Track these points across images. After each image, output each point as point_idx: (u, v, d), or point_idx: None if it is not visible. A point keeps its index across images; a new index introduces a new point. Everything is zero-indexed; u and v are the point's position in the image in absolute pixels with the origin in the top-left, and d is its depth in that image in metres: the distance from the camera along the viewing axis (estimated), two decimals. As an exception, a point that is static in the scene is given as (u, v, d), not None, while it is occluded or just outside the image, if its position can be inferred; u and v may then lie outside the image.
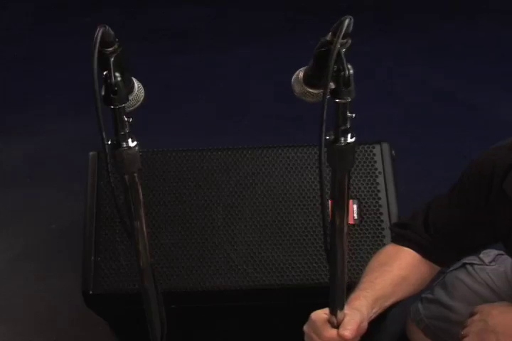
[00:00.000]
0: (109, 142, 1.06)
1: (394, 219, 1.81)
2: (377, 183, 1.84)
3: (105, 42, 0.98)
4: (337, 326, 1.25)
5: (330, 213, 1.81)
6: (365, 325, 1.27)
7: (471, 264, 1.65)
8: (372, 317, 1.31)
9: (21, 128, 3.00)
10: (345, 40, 0.94)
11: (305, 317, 1.96)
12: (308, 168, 1.86)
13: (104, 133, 1.01)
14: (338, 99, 0.95)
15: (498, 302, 1.47)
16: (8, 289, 2.35)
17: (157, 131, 2.74)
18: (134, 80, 1.09)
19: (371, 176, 1.85)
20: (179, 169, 1.87)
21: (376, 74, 3.12)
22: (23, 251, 2.46)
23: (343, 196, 1.06)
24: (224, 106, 3.04)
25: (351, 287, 1.35)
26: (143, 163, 1.15)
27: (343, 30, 0.93)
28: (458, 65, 3.21)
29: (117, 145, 1.07)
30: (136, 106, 1.09)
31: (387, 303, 1.35)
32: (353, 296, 1.29)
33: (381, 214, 1.80)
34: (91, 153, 1.89)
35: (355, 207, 1.81)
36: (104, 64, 1.00)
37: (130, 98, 1.07)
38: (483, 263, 1.64)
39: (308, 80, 1.05)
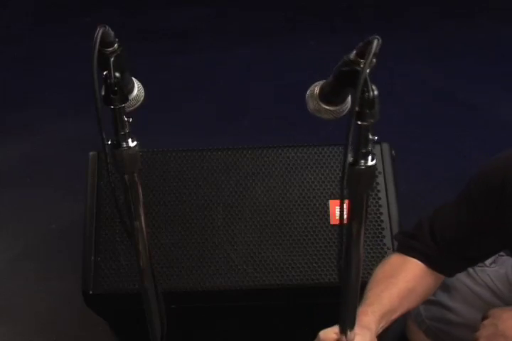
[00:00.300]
0: (109, 142, 1.06)
1: (394, 219, 1.80)
2: (377, 183, 1.84)
3: (105, 42, 0.98)
4: None
5: (330, 213, 1.81)
6: None
7: None
8: (379, 332, 1.30)
9: (21, 127, 3.00)
10: (371, 61, 0.90)
11: (305, 317, 1.96)
12: (308, 168, 1.86)
13: (104, 133, 1.01)
14: (361, 121, 0.92)
15: (510, 306, 1.46)
16: (8, 289, 2.35)
17: (157, 131, 2.74)
18: (134, 80, 1.09)
19: (371, 176, 1.84)
20: (179, 169, 1.87)
21: (376, 73, 3.12)
22: (23, 251, 2.46)
23: (360, 218, 1.01)
24: (224, 106, 3.05)
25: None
26: (143, 163, 1.15)
27: (372, 52, 0.89)
28: (458, 65, 3.21)
29: (117, 145, 1.07)
30: (136, 106, 1.09)
31: (394, 317, 1.34)
32: (360, 311, 1.26)
33: (381, 214, 1.80)
34: (91, 153, 1.89)
35: (355, 207, 1.81)
36: (104, 64, 1.00)
37: (130, 98, 1.07)
38: (483, 264, 1.64)
39: (325, 97, 1.02)
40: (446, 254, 1.40)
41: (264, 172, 1.86)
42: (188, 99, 3.08)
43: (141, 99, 1.10)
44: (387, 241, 1.77)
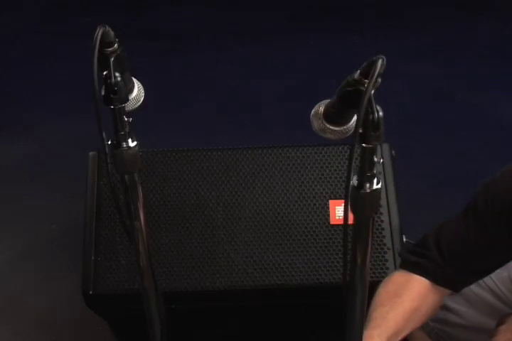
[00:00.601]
0: (109, 142, 1.06)
1: (394, 220, 1.81)
2: (377, 183, 1.83)
3: (105, 42, 0.98)
4: None
5: (330, 213, 1.81)
6: None
7: None
8: None
9: (21, 127, 3.00)
10: (375, 81, 0.87)
11: (305, 317, 1.96)
12: (308, 168, 1.86)
13: (104, 133, 1.01)
14: (365, 143, 0.88)
15: None
16: (8, 289, 2.35)
17: (157, 131, 2.74)
18: (134, 80, 1.09)
19: (371, 176, 1.84)
20: (179, 169, 1.87)
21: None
22: (23, 251, 2.46)
23: (366, 244, 0.97)
24: (224, 106, 3.05)
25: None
26: (143, 163, 1.15)
27: (376, 73, 0.86)
28: (458, 65, 3.21)
29: (117, 145, 1.07)
30: (136, 106, 1.09)
31: (399, 337, 1.32)
32: (366, 335, 1.21)
33: (381, 214, 1.80)
34: (91, 153, 1.89)
35: (355, 207, 1.81)
36: (104, 64, 1.00)
37: (130, 98, 1.07)
38: None
39: (330, 117, 0.99)
40: (454, 269, 1.37)
41: (264, 172, 1.86)
42: (188, 99, 3.08)
43: (141, 99, 1.10)
44: (387, 241, 1.77)
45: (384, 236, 1.79)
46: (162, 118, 2.90)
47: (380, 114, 0.87)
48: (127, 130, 1.06)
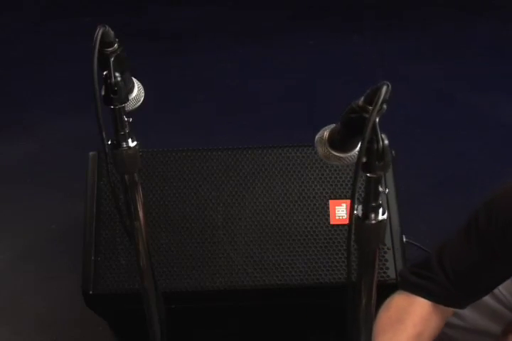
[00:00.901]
0: (109, 142, 1.07)
1: (394, 220, 1.80)
2: (377, 183, 1.83)
3: (105, 42, 0.98)
4: None
5: (330, 213, 1.81)
6: None
7: None
8: None
9: (21, 127, 3.00)
10: (380, 108, 0.83)
11: (305, 317, 1.96)
12: (308, 168, 1.86)
13: (104, 133, 1.01)
14: (370, 173, 0.85)
15: None
16: (8, 289, 2.35)
17: (157, 131, 2.74)
18: (134, 80, 1.09)
19: (371, 176, 1.84)
20: (179, 169, 1.87)
21: (376, 74, 3.12)
22: (23, 251, 2.46)
23: (371, 276, 0.94)
24: (224, 106, 3.05)
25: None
26: (143, 163, 1.15)
27: (381, 99, 0.81)
28: (458, 65, 3.21)
29: (117, 145, 1.07)
30: (136, 106, 1.10)
31: None
32: None
33: (381, 214, 1.80)
34: (91, 153, 1.89)
35: (355, 207, 1.81)
36: (104, 64, 1.00)
37: (130, 98, 1.07)
38: None
39: (334, 143, 0.95)
40: (460, 289, 1.35)
41: (264, 172, 1.86)
42: (188, 99, 3.08)
43: (141, 99, 1.11)
44: (387, 241, 1.77)
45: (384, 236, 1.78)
46: (162, 118, 2.90)
47: (386, 142, 0.83)
48: (127, 130, 1.06)
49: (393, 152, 1.89)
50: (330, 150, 0.96)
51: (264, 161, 1.87)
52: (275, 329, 2.01)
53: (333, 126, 0.97)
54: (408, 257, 1.85)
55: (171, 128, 2.88)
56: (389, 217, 1.80)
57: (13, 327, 2.23)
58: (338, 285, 1.75)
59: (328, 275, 1.75)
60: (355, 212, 0.88)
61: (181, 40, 3.48)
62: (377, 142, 0.83)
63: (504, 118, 2.90)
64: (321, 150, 0.97)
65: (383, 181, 0.87)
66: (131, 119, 1.07)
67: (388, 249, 1.76)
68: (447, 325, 1.60)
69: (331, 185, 1.83)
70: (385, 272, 1.74)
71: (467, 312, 1.57)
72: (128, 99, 1.05)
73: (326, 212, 1.81)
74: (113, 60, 0.99)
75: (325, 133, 0.97)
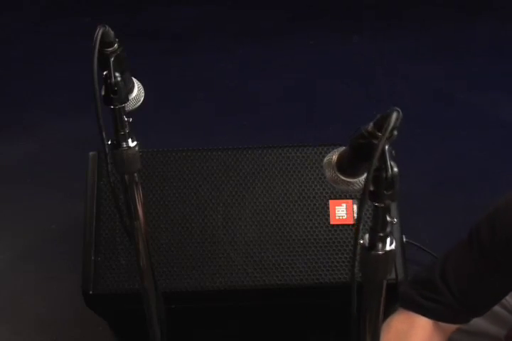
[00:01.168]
0: (109, 142, 1.06)
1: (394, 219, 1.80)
2: (377, 183, 1.83)
3: (105, 42, 0.98)
4: None
5: (330, 213, 1.80)
6: None
7: None
8: None
9: (21, 128, 3.00)
10: (390, 135, 0.79)
11: (305, 317, 1.96)
12: (308, 168, 1.86)
13: (104, 133, 1.01)
14: (377, 202, 0.81)
15: None
16: (8, 289, 2.35)
17: (157, 131, 2.74)
18: (134, 80, 1.09)
19: (371, 176, 1.84)
20: (179, 169, 1.87)
21: (376, 73, 3.12)
22: (23, 251, 2.46)
23: (377, 311, 0.90)
24: (224, 106, 3.04)
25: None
26: (143, 163, 1.15)
27: (390, 126, 0.78)
28: (458, 65, 3.21)
29: (117, 145, 1.07)
30: (136, 106, 1.10)
31: None
32: None
33: (381, 214, 1.80)
34: (91, 153, 1.89)
35: (355, 207, 1.81)
36: (104, 64, 1.00)
37: (130, 98, 1.07)
38: None
39: (343, 167, 0.92)
40: (464, 303, 1.33)
41: (264, 172, 1.86)
42: (188, 99, 3.08)
43: (141, 99, 1.11)
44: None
45: (384, 236, 1.78)
46: (162, 118, 2.90)
47: (395, 170, 0.79)
48: (127, 130, 1.06)
49: (393, 152, 1.88)
50: (338, 174, 0.93)
51: (264, 161, 1.87)
52: (275, 330, 2.01)
53: (342, 148, 0.93)
54: (408, 257, 1.85)
55: (171, 128, 2.88)
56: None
57: (13, 327, 2.23)
58: (338, 285, 1.75)
59: (328, 275, 1.75)
60: (360, 241, 0.85)
61: (181, 40, 3.47)
62: (386, 170, 0.79)
63: (504, 118, 2.90)
64: (328, 173, 0.94)
65: (392, 210, 0.82)
66: (131, 119, 1.07)
67: (388, 248, 1.76)
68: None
69: (331, 185, 1.83)
70: (385, 272, 1.74)
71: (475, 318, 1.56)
72: (128, 99, 1.05)
73: (326, 212, 1.81)
74: (113, 60, 0.99)
75: (333, 156, 0.93)
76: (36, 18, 3.73)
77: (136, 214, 1.16)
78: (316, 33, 3.42)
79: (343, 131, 2.80)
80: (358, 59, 3.21)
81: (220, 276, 1.76)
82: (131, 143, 1.07)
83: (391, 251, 0.85)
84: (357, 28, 3.45)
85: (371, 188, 0.80)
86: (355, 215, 1.82)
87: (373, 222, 0.83)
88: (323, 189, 1.83)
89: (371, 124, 0.84)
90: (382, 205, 0.81)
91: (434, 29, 3.47)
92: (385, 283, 0.88)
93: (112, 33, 0.98)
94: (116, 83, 1.00)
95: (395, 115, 0.80)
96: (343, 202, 1.81)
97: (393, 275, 1.73)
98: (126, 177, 1.11)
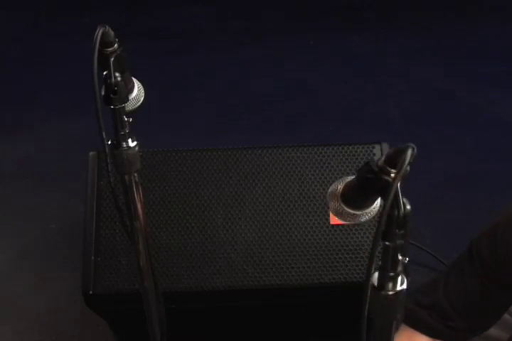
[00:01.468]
0: (109, 142, 1.06)
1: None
2: (378, 183, 1.83)
3: (105, 43, 0.98)
4: None
5: (330, 213, 1.80)
6: None
7: None
8: None
9: (21, 128, 3.00)
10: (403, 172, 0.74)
11: (305, 317, 1.96)
12: (308, 168, 1.86)
13: (104, 133, 1.01)
14: (389, 241, 0.77)
15: None
16: (8, 289, 2.35)
17: (157, 131, 2.74)
18: (134, 80, 1.09)
19: (371, 176, 1.84)
20: (179, 169, 1.87)
21: (376, 74, 3.12)
22: (23, 251, 2.46)
23: None
24: (224, 106, 3.05)
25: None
26: (143, 163, 1.15)
27: (405, 165, 0.74)
28: (458, 65, 3.21)
29: (117, 145, 1.07)
30: (136, 106, 1.10)
31: None
32: None
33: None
34: (91, 153, 1.89)
35: (355, 207, 1.81)
36: (104, 64, 1.00)
37: (130, 98, 1.07)
38: None
39: (348, 199, 0.88)
40: (468, 321, 1.33)
41: (264, 172, 1.86)
42: (188, 99, 3.08)
43: (141, 99, 1.11)
44: (387, 241, 1.77)
45: (384, 236, 1.78)
46: (162, 118, 2.90)
47: (408, 208, 0.76)
48: (127, 130, 1.06)
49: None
50: (343, 206, 0.88)
51: (264, 161, 1.87)
52: (275, 330, 2.01)
53: (347, 179, 0.89)
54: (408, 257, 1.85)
55: (171, 128, 2.88)
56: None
57: (14, 326, 2.24)
58: (337, 285, 1.75)
59: (328, 275, 1.75)
60: (370, 279, 0.80)
61: (181, 40, 3.47)
62: (398, 208, 0.76)
63: (504, 118, 2.90)
64: (333, 205, 0.89)
65: (403, 249, 0.77)
66: (131, 119, 1.07)
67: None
68: None
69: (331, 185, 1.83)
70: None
71: None
72: (128, 99, 1.05)
73: (326, 212, 1.81)
74: (113, 60, 0.99)
75: (339, 186, 0.89)
76: (36, 18, 3.73)
77: (136, 214, 1.16)
78: (316, 33, 3.42)
79: (343, 130, 2.83)
80: (358, 59, 3.22)
81: (220, 276, 1.76)
82: (131, 143, 1.07)
83: (402, 290, 0.80)
84: (357, 28, 3.45)
85: (382, 227, 0.76)
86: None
87: (383, 261, 0.79)
88: (323, 189, 1.83)
89: (382, 159, 0.79)
90: (393, 245, 0.77)
91: (434, 29, 3.47)
92: (394, 323, 0.84)
93: (111, 33, 0.98)
94: (116, 83, 1.00)
95: (409, 152, 0.75)
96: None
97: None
98: (126, 177, 1.11)
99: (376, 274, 0.81)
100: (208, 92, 3.12)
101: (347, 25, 3.51)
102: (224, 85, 3.16)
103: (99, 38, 0.96)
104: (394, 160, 0.77)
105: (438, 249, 2.34)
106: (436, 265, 2.31)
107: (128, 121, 1.06)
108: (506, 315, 1.54)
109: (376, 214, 0.87)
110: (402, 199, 0.76)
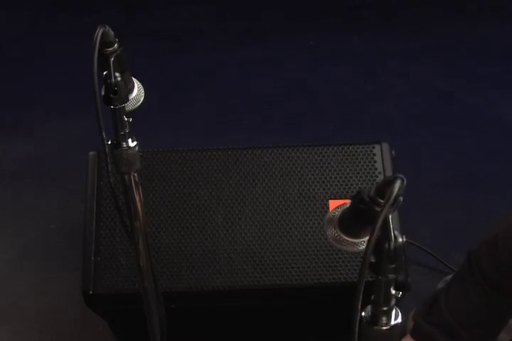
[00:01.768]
0: (109, 142, 1.06)
1: (394, 219, 1.80)
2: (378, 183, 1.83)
3: (105, 43, 0.98)
4: None
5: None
6: None
7: None
8: None
9: (21, 128, 3.00)
10: (394, 202, 0.71)
11: (305, 317, 1.96)
12: (308, 168, 1.86)
13: (104, 133, 1.01)
14: (380, 276, 0.73)
15: None
16: (8, 289, 2.35)
17: (157, 131, 2.74)
18: (134, 80, 1.09)
19: (371, 176, 1.85)
20: (179, 169, 1.87)
21: (376, 74, 3.12)
22: (23, 251, 2.46)
23: None
24: (224, 106, 3.04)
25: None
26: (143, 163, 1.15)
27: (393, 196, 0.71)
28: (458, 65, 3.21)
29: (117, 145, 1.07)
30: (136, 106, 1.10)
31: None
32: None
33: (381, 214, 1.80)
34: (91, 153, 1.89)
35: (355, 207, 1.81)
36: (104, 64, 1.00)
37: (130, 98, 1.07)
38: None
39: (345, 227, 0.86)
40: (476, 331, 1.32)
41: (264, 172, 1.86)
42: (188, 99, 3.08)
43: (141, 99, 1.11)
44: (387, 241, 1.77)
45: (384, 236, 1.78)
46: (162, 118, 2.90)
47: (399, 241, 0.72)
48: (127, 130, 1.06)
49: (393, 152, 1.88)
50: (340, 233, 0.86)
51: (264, 161, 1.87)
52: (275, 330, 2.01)
53: (345, 207, 0.87)
54: (408, 257, 1.85)
55: (171, 128, 2.88)
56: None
57: (14, 326, 2.23)
58: (337, 285, 1.75)
59: (328, 275, 1.75)
60: (363, 313, 0.76)
61: (181, 40, 3.47)
62: (389, 241, 0.72)
63: (504, 118, 2.90)
64: (330, 232, 0.88)
65: (396, 283, 0.73)
66: (131, 119, 1.07)
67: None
68: None
69: (331, 185, 1.83)
70: (385, 272, 1.74)
71: None
72: (128, 99, 1.05)
73: (325, 212, 1.81)
74: (113, 60, 0.99)
75: (336, 213, 0.88)
76: (36, 18, 3.73)
77: (136, 214, 1.16)
78: (316, 33, 3.42)
79: (343, 130, 2.83)
80: (358, 59, 3.22)
81: (220, 276, 1.76)
82: (131, 143, 1.07)
83: (396, 325, 0.77)
84: (357, 28, 3.45)
85: (372, 260, 0.72)
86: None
87: (376, 295, 0.75)
88: (323, 189, 1.83)
89: (373, 189, 0.77)
90: (385, 279, 0.73)
91: (434, 29, 3.47)
92: None
93: (111, 33, 0.98)
94: (117, 83, 1.00)
95: (398, 184, 0.73)
96: (343, 202, 1.81)
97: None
98: (126, 177, 1.11)
99: (369, 308, 0.77)
100: (207, 92, 3.12)
101: (347, 25, 3.51)
102: (224, 85, 3.16)
103: (99, 38, 0.96)
104: (384, 191, 0.74)
105: (438, 249, 2.34)
106: (436, 265, 2.31)
107: (128, 121, 1.06)
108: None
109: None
110: (393, 232, 0.72)
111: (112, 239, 1.80)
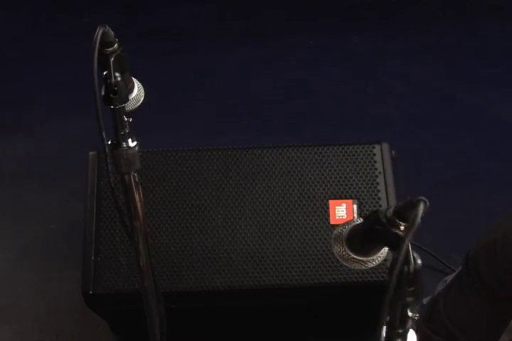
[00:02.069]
0: (109, 142, 1.06)
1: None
2: (377, 183, 1.84)
3: (105, 42, 0.98)
4: None
5: (330, 213, 1.80)
6: None
7: None
8: None
9: (21, 128, 3.00)
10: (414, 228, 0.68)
11: (305, 317, 1.96)
12: (308, 168, 1.86)
13: (104, 133, 1.01)
14: (399, 299, 0.72)
15: None
16: (8, 289, 2.35)
17: (157, 131, 2.74)
18: (134, 80, 1.09)
19: (371, 176, 1.85)
20: (179, 169, 1.87)
21: (376, 74, 3.12)
22: (23, 251, 2.46)
23: None
24: (224, 106, 3.04)
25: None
26: (143, 163, 1.15)
27: (417, 221, 0.68)
28: (458, 65, 3.21)
29: (117, 145, 1.07)
30: (136, 106, 1.10)
31: None
32: None
33: (381, 214, 1.80)
34: (91, 153, 1.89)
35: (355, 207, 1.81)
36: (104, 64, 1.00)
37: (130, 98, 1.07)
38: None
39: (353, 245, 0.84)
40: (476, 336, 1.32)
41: (264, 172, 1.86)
42: (188, 99, 3.08)
43: (141, 99, 1.11)
44: (387, 241, 1.77)
45: (384, 236, 1.78)
46: (162, 118, 2.90)
47: (419, 263, 0.70)
48: (127, 130, 1.06)
49: (393, 152, 1.88)
50: (349, 251, 0.84)
51: (264, 161, 1.87)
52: (275, 330, 2.01)
53: (352, 224, 0.85)
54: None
55: (171, 128, 2.88)
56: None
57: (14, 326, 2.24)
58: (337, 285, 1.75)
59: (328, 275, 1.75)
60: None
61: (181, 40, 3.47)
62: (409, 264, 0.70)
63: (504, 118, 2.90)
64: (337, 249, 0.85)
65: (414, 306, 0.71)
66: (131, 119, 1.07)
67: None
68: None
69: (331, 185, 1.83)
70: (384, 272, 1.74)
71: None
72: (128, 99, 1.05)
73: (325, 212, 1.81)
74: (113, 60, 0.99)
75: (343, 230, 0.85)
76: (36, 18, 3.73)
77: (136, 214, 1.16)
78: (316, 33, 3.42)
79: (343, 131, 2.82)
80: (358, 59, 3.21)
81: (220, 276, 1.76)
82: (131, 143, 1.07)
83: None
84: (357, 28, 3.45)
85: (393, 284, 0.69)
86: (355, 215, 1.82)
87: (391, 317, 0.73)
88: (323, 189, 1.83)
89: (391, 211, 0.75)
90: (403, 302, 0.72)
91: (434, 29, 3.47)
92: None
93: (111, 33, 0.98)
94: (117, 83, 1.00)
95: (421, 206, 0.70)
96: (343, 202, 1.81)
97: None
98: (126, 177, 1.11)
99: (383, 330, 0.76)
100: (208, 92, 3.12)
101: (347, 25, 3.51)
102: (224, 85, 3.16)
103: (99, 38, 0.96)
104: (404, 213, 0.72)
105: (438, 249, 2.34)
106: (436, 265, 2.31)
107: (128, 121, 1.06)
108: None
109: (383, 259, 0.81)
110: (412, 254, 0.70)
111: (112, 239, 1.80)
